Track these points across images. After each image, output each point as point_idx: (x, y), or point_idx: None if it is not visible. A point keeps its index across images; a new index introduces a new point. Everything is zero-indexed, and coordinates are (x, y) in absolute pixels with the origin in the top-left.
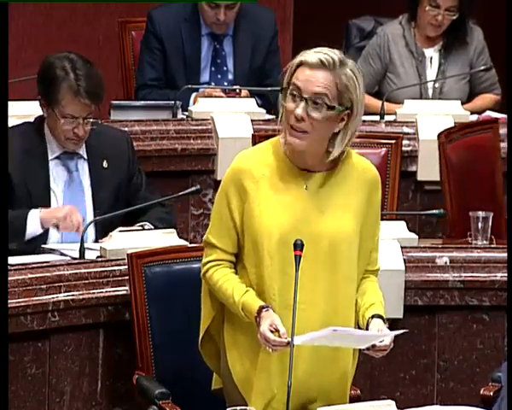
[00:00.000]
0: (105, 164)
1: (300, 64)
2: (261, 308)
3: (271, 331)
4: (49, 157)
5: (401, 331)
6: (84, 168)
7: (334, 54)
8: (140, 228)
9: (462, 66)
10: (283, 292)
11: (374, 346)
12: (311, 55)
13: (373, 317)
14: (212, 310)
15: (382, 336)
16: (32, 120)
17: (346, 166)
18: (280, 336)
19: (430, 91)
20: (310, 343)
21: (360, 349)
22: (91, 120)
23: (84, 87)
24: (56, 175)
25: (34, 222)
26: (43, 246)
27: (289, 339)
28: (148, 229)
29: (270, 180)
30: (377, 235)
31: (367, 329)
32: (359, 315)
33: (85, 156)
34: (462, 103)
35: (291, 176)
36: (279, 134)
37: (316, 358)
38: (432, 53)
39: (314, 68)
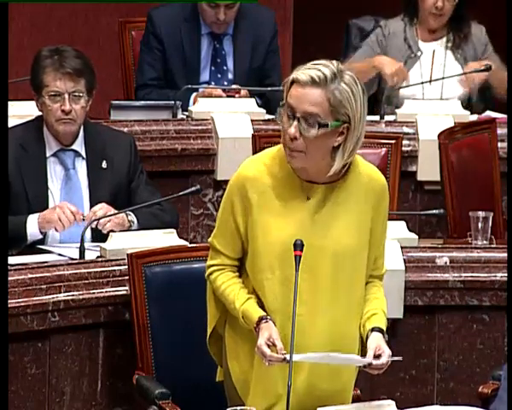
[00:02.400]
0: (104, 164)
1: (293, 82)
2: (260, 319)
3: (268, 345)
4: (47, 154)
5: (396, 359)
6: (82, 167)
7: (327, 68)
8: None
9: (466, 61)
10: (284, 304)
11: (370, 364)
12: (303, 71)
13: (373, 330)
14: (217, 311)
15: (376, 362)
16: (19, 121)
17: (351, 177)
18: (277, 351)
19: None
20: (306, 360)
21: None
22: (77, 94)
23: (67, 62)
24: (54, 173)
25: (33, 228)
26: (42, 247)
27: (286, 356)
28: (130, 221)
29: (274, 192)
30: (383, 243)
31: (365, 341)
32: (360, 324)
33: (84, 155)
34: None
35: (295, 188)
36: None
37: (316, 370)
38: (435, 46)
39: (305, 86)
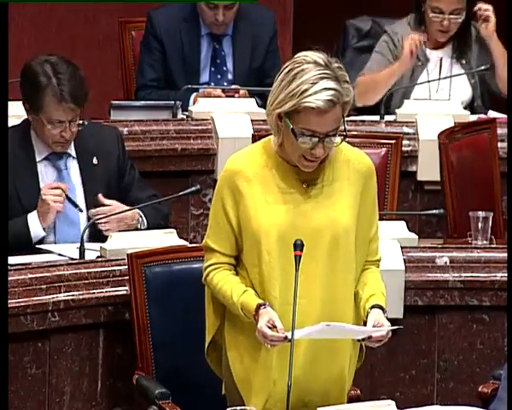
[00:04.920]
0: (95, 161)
1: (309, 107)
2: (259, 306)
3: (269, 328)
4: (37, 159)
5: (396, 327)
6: (73, 166)
7: (331, 81)
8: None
9: (470, 67)
10: (284, 289)
11: (370, 337)
12: (318, 97)
13: (372, 307)
14: (216, 319)
15: (376, 330)
16: (19, 121)
17: (338, 159)
18: (278, 332)
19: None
20: (307, 337)
21: (360, 344)
22: (79, 122)
23: (68, 92)
24: (46, 175)
25: (36, 227)
26: (42, 247)
27: (287, 334)
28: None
29: (264, 178)
30: (375, 225)
31: (366, 320)
32: (360, 307)
33: (74, 155)
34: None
35: (284, 173)
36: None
37: (313, 352)
38: (442, 54)
39: (326, 112)
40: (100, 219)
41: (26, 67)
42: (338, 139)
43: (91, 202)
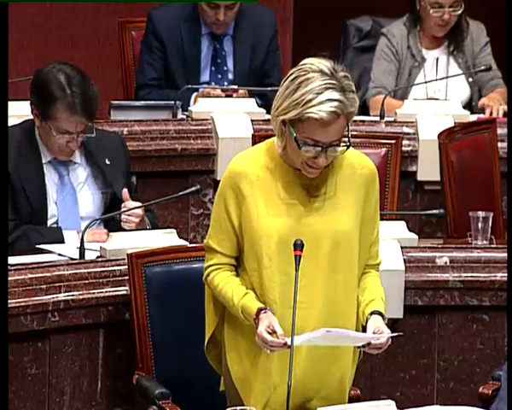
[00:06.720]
0: (107, 161)
1: (312, 118)
2: (259, 310)
3: (269, 333)
4: (43, 160)
5: (396, 334)
6: (75, 172)
7: (341, 92)
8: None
9: (467, 65)
10: (284, 293)
11: (369, 344)
12: (324, 107)
13: (372, 313)
14: (216, 316)
15: (377, 337)
16: (19, 121)
17: (342, 164)
18: (277, 338)
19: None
20: (307, 344)
21: (360, 349)
22: (86, 135)
23: (80, 105)
24: (49, 178)
25: (74, 241)
26: (42, 247)
27: (286, 340)
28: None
29: (266, 182)
30: (376, 229)
31: (365, 325)
32: (359, 312)
33: (78, 161)
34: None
35: (287, 176)
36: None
37: (314, 357)
38: (438, 54)
39: (330, 123)
40: (122, 212)
41: (40, 73)
42: (341, 148)
43: (106, 200)
